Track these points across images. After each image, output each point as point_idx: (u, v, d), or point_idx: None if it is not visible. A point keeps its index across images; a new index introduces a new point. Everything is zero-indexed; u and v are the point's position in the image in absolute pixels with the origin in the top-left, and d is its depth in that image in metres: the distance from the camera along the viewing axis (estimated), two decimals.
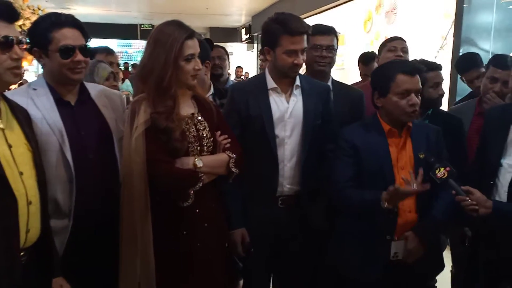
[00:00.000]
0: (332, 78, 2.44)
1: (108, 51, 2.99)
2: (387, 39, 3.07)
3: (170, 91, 1.68)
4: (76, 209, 1.67)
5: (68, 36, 1.66)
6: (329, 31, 2.39)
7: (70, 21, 1.70)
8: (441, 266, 2.12)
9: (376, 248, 1.90)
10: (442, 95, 2.32)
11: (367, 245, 1.91)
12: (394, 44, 2.92)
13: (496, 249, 1.89)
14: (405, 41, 2.98)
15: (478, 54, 3.21)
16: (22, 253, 1.37)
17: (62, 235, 1.66)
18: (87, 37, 1.74)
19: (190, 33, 1.70)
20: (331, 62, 2.39)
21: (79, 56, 1.68)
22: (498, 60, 2.41)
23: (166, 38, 1.66)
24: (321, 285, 2.31)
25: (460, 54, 3.99)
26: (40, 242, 1.45)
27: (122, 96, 1.96)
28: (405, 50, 2.93)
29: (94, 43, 2.96)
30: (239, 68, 12.17)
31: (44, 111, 1.67)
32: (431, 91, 2.26)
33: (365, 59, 3.90)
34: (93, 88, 1.85)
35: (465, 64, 3.15)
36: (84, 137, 1.73)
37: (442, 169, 1.79)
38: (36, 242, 1.43)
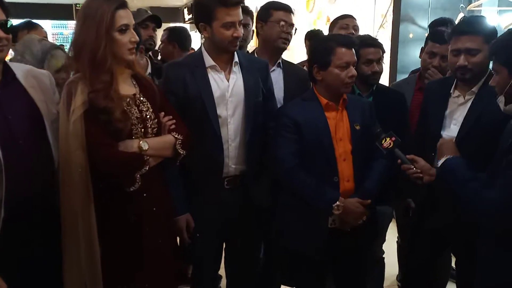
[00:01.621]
0: (281, 57, 2.43)
1: (29, 26, 2.57)
2: (338, 16, 3.07)
3: (105, 65, 1.57)
4: (7, 200, 1.53)
5: None
6: (291, 10, 2.36)
7: None
8: (375, 235, 2.22)
9: (317, 217, 1.95)
10: (376, 72, 2.29)
11: (309, 215, 1.96)
12: (346, 22, 2.95)
13: (440, 217, 1.97)
14: (355, 19, 3.00)
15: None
16: None
17: None
18: (7, 12, 1.58)
19: (121, 3, 1.59)
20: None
21: None
22: (436, 35, 2.47)
23: (95, 11, 1.56)
24: (274, 266, 2.33)
25: (400, 31, 4.09)
26: None
27: (51, 76, 1.80)
28: (356, 28, 2.97)
29: None
30: (190, 49, 11.89)
31: None
32: (363, 67, 2.26)
33: (312, 37, 3.90)
34: (18, 68, 1.69)
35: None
36: (11, 122, 1.58)
37: (388, 139, 1.85)
38: None
